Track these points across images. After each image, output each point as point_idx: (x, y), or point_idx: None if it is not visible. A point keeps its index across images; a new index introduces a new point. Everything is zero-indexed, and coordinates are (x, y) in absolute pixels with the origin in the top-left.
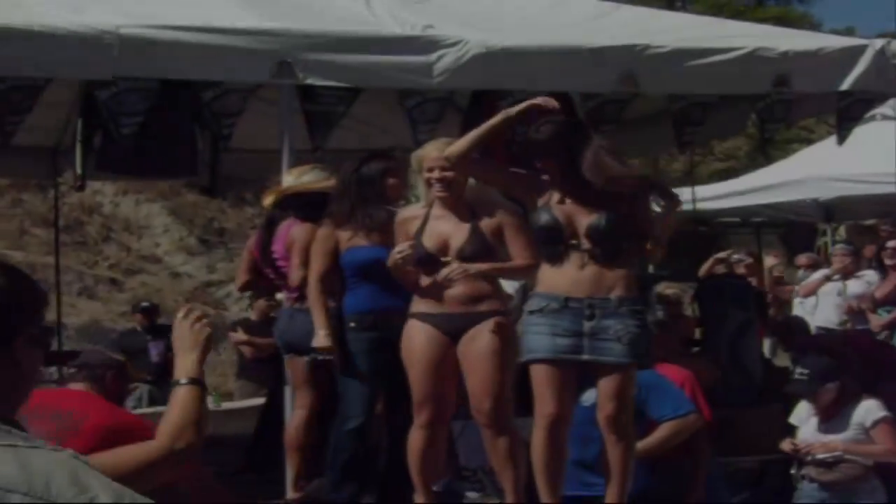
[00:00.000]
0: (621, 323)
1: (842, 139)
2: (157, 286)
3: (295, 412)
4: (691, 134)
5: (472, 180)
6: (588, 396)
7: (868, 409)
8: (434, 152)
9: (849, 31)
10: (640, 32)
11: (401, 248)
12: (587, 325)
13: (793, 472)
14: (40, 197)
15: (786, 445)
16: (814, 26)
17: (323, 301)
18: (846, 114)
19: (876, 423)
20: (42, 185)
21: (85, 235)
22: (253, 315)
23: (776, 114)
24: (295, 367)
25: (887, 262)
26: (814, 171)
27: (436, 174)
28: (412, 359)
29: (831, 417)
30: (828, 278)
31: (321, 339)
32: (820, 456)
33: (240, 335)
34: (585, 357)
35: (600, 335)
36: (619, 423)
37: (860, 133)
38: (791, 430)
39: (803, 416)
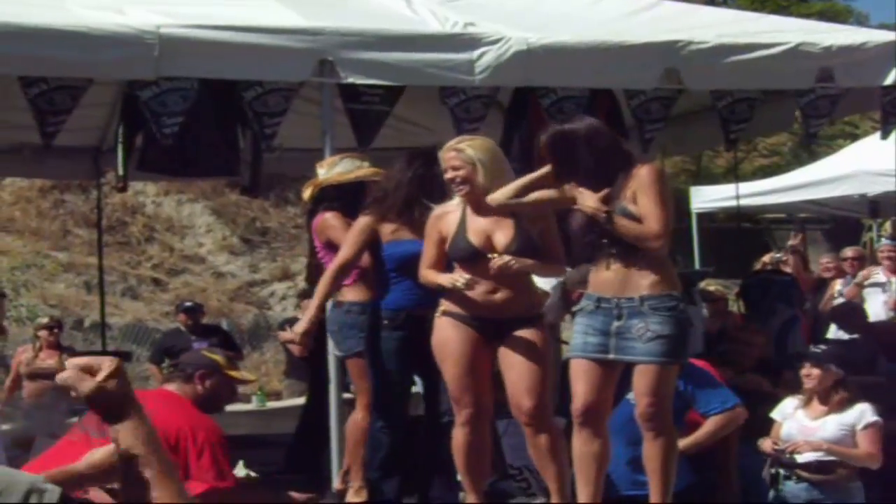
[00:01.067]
0: (643, 321)
1: (886, 134)
2: (201, 286)
3: (356, 411)
4: (739, 131)
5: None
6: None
7: (863, 412)
8: (447, 151)
9: None
10: (682, 28)
11: (458, 279)
12: (615, 325)
13: (772, 471)
14: (83, 197)
15: (766, 445)
16: (861, 20)
17: (327, 289)
18: (890, 109)
19: (866, 427)
20: (84, 185)
21: (128, 236)
22: (301, 313)
23: (820, 109)
24: (351, 365)
25: None
26: (859, 166)
27: (449, 174)
28: (447, 357)
29: (820, 407)
30: (860, 287)
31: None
32: (802, 459)
33: (288, 333)
34: (611, 356)
35: (625, 334)
36: (654, 419)
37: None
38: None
39: (788, 411)
